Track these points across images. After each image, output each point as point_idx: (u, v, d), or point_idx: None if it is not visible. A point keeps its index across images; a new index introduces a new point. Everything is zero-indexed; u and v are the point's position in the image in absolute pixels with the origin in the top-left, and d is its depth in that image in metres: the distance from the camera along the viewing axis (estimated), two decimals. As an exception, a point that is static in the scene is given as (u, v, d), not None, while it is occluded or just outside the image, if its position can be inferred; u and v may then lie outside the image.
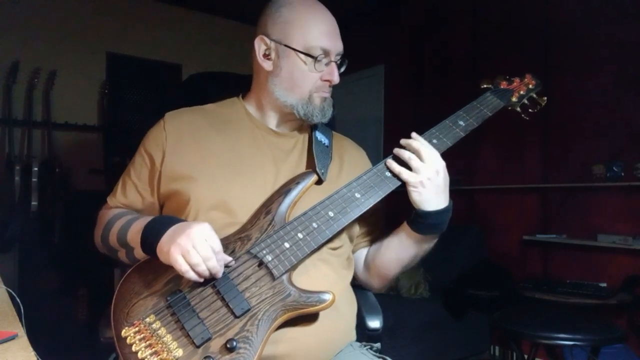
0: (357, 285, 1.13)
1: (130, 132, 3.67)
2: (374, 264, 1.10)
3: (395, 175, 0.97)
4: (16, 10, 3.27)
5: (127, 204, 1.06)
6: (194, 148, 0.99)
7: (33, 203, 3.13)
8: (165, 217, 0.93)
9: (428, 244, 1.03)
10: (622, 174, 2.44)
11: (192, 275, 0.81)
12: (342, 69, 1.04)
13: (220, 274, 0.83)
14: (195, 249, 0.80)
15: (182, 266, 0.80)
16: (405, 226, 1.01)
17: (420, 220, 0.97)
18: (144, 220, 0.92)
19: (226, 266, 0.86)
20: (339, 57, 1.02)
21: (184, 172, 0.97)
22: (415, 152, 0.96)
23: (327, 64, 1.00)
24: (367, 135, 3.97)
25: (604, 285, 2.44)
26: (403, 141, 0.99)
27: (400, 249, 1.04)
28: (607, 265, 2.52)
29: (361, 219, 1.01)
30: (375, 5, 3.93)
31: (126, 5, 3.85)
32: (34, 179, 3.16)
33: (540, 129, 2.88)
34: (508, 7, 3.07)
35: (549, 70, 2.80)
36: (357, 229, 1.07)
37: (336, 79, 1.01)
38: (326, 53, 0.99)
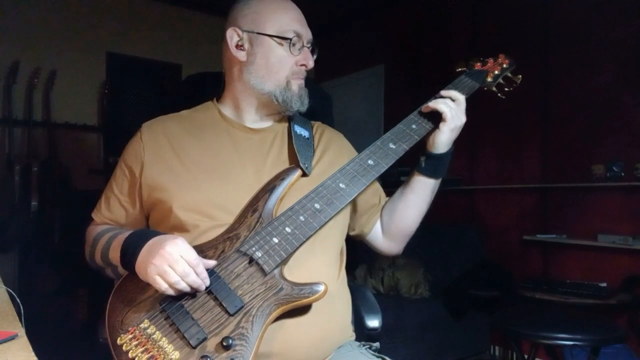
0: (355, 285, 1.14)
1: (130, 132, 3.65)
2: (395, 227, 1.13)
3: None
4: (16, 10, 3.28)
5: (112, 219, 1.06)
6: (172, 156, 1.00)
7: (33, 203, 3.13)
8: (140, 233, 0.92)
9: (437, 187, 1.09)
10: (622, 174, 2.44)
11: (172, 293, 0.82)
12: (314, 57, 1.05)
13: (202, 287, 0.83)
14: (171, 267, 0.80)
15: (161, 286, 0.81)
16: (418, 178, 1.06)
17: (434, 163, 1.04)
18: (122, 237, 0.92)
19: (216, 266, 0.86)
20: (309, 45, 1.04)
21: (164, 182, 0.97)
22: (455, 97, 1.02)
23: (300, 49, 1.02)
24: (367, 135, 3.97)
25: (604, 285, 2.44)
26: (444, 92, 1.05)
27: (418, 202, 1.08)
28: (607, 265, 2.51)
29: (363, 196, 1.05)
30: (374, 4, 3.93)
31: (126, 5, 3.85)
32: (34, 179, 3.16)
33: (540, 129, 2.88)
34: (507, 7, 3.07)
35: (549, 70, 2.81)
36: (347, 219, 1.08)
37: (311, 63, 1.03)
38: (299, 37, 1.01)
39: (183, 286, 0.81)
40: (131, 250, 0.88)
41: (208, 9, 4.15)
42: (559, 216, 2.77)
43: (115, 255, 0.93)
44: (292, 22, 1.01)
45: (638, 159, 2.40)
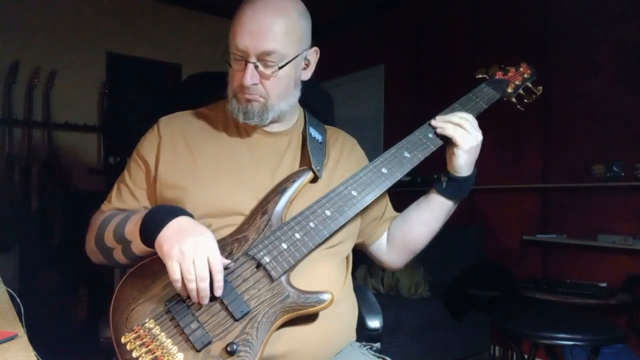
0: (355, 285, 1.14)
1: (129, 132, 3.68)
2: (402, 241, 1.10)
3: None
4: (16, 10, 3.28)
5: (123, 209, 1.04)
6: (187, 155, 0.98)
7: (33, 203, 3.14)
8: (168, 206, 0.91)
9: (453, 209, 1.06)
10: (622, 174, 2.44)
11: (178, 287, 0.80)
12: (274, 73, 0.93)
13: (206, 300, 0.81)
14: (193, 263, 0.79)
15: (174, 274, 0.79)
16: (436, 197, 1.03)
17: (455, 185, 1.01)
18: (144, 212, 0.90)
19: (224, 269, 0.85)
20: (267, 57, 0.92)
21: (178, 181, 0.96)
22: (463, 119, 0.99)
23: (246, 66, 0.93)
24: (367, 135, 3.97)
25: (604, 285, 2.44)
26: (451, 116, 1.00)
27: (432, 220, 1.06)
28: (607, 265, 2.51)
29: (370, 208, 1.02)
30: (375, 5, 3.93)
31: (126, 5, 3.85)
32: (33, 179, 3.16)
33: (540, 129, 2.88)
34: (508, 7, 3.07)
35: (549, 70, 2.80)
36: (357, 227, 1.06)
37: (245, 81, 0.92)
38: (243, 53, 0.92)
39: (192, 287, 0.79)
40: (158, 219, 0.85)
41: (208, 9, 4.15)
42: (559, 216, 2.77)
43: (133, 228, 0.90)
44: (236, 34, 0.92)
45: (638, 159, 2.40)
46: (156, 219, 0.86)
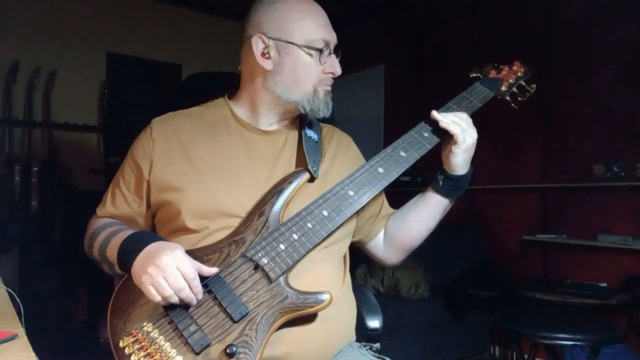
0: (355, 284, 1.14)
1: (130, 132, 3.66)
2: (400, 239, 1.11)
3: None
4: (16, 10, 3.28)
5: (116, 215, 1.05)
6: (183, 157, 0.98)
7: (33, 203, 3.13)
8: (139, 236, 0.91)
9: (450, 206, 1.08)
10: (622, 174, 2.44)
11: (164, 304, 0.82)
12: (338, 60, 1.04)
13: (194, 302, 0.82)
14: (166, 280, 0.79)
15: (154, 297, 0.80)
16: (433, 196, 1.05)
17: (452, 184, 1.03)
18: (121, 237, 0.91)
19: (221, 271, 0.86)
20: (335, 50, 1.02)
21: (173, 183, 0.95)
22: (458, 117, 1.00)
23: (328, 56, 0.99)
24: (367, 135, 3.97)
25: (604, 285, 2.44)
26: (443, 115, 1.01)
27: (429, 219, 1.07)
28: (607, 265, 2.51)
29: (367, 206, 1.03)
30: (374, 5, 3.93)
31: (126, 5, 3.85)
32: (34, 179, 3.16)
33: (540, 129, 2.88)
34: (508, 7, 3.07)
35: (549, 70, 2.80)
36: (353, 225, 1.07)
37: (339, 70, 1.00)
38: (327, 45, 0.98)
39: (175, 300, 0.81)
40: (128, 254, 0.87)
41: (208, 9, 4.15)
42: (559, 216, 2.77)
43: (112, 254, 0.92)
44: (320, 29, 0.98)
45: (638, 159, 2.40)
46: (127, 251, 0.87)
